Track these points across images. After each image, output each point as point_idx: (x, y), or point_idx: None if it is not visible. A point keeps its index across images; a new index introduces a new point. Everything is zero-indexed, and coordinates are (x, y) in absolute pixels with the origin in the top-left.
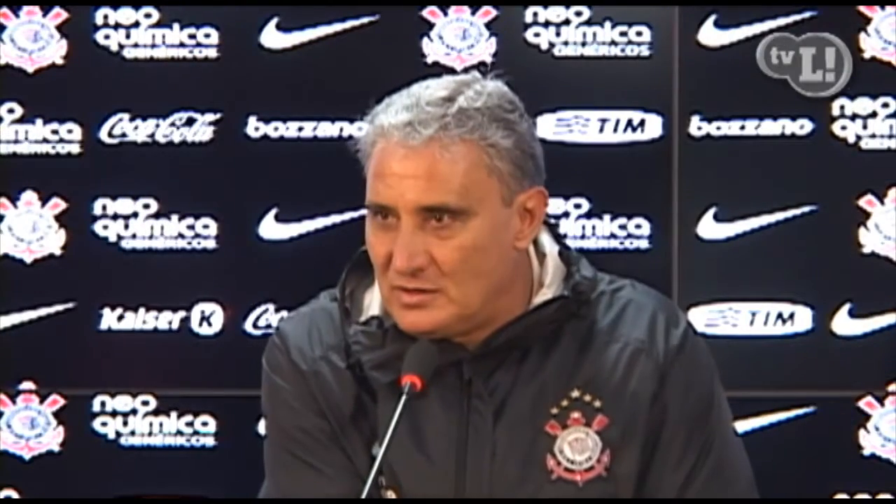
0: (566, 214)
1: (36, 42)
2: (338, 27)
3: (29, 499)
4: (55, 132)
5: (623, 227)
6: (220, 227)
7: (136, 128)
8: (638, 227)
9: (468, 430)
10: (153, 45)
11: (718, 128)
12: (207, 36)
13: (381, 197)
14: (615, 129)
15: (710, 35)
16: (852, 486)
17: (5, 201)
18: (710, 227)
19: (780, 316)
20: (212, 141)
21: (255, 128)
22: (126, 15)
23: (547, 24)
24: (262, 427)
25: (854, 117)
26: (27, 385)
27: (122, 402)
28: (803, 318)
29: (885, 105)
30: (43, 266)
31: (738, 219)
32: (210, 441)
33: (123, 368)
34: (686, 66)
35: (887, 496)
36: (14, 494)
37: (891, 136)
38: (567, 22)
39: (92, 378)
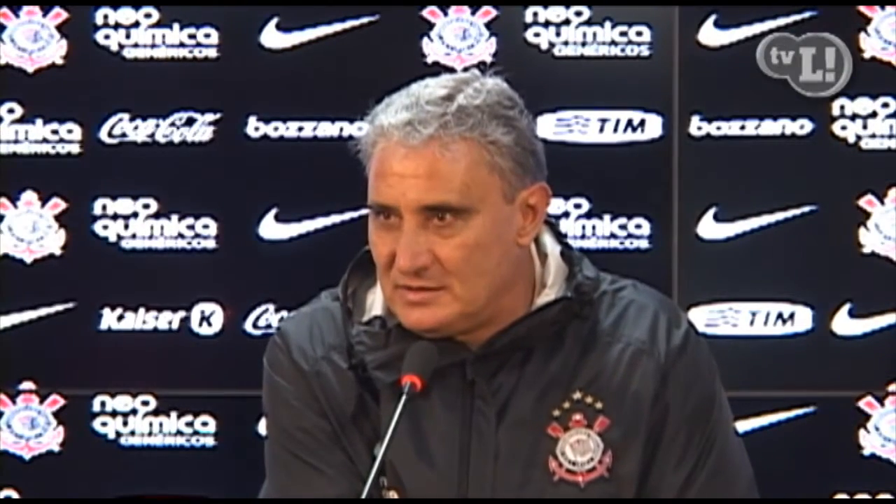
0: (566, 214)
1: (36, 42)
2: (338, 27)
3: (29, 499)
4: (55, 132)
5: (623, 227)
6: (220, 227)
7: (136, 128)
8: (638, 227)
9: (471, 432)
10: (153, 45)
11: (718, 128)
12: (207, 36)
13: (383, 197)
14: (615, 129)
15: (710, 35)
16: (852, 486)
17: (5, 201)
18: (710, 227)
19: (780, 316)
20: (212, 141)
21: (254, 128)
22: (126, 15)
23: (547, 24)
24: (262, 427)
25: (854, 117)
26: (27, 385)
27: (122, 402)
28: (803, 318)
29: (885, 105)
30: (43, 266)
31: (738, 219)
32: (210, 441)
33: (123, 368)
34: (686, 66)
35: (887, 496)
36: (14, 494)
37: (891, 136)
38: (567, 22)
39: (92, 378)
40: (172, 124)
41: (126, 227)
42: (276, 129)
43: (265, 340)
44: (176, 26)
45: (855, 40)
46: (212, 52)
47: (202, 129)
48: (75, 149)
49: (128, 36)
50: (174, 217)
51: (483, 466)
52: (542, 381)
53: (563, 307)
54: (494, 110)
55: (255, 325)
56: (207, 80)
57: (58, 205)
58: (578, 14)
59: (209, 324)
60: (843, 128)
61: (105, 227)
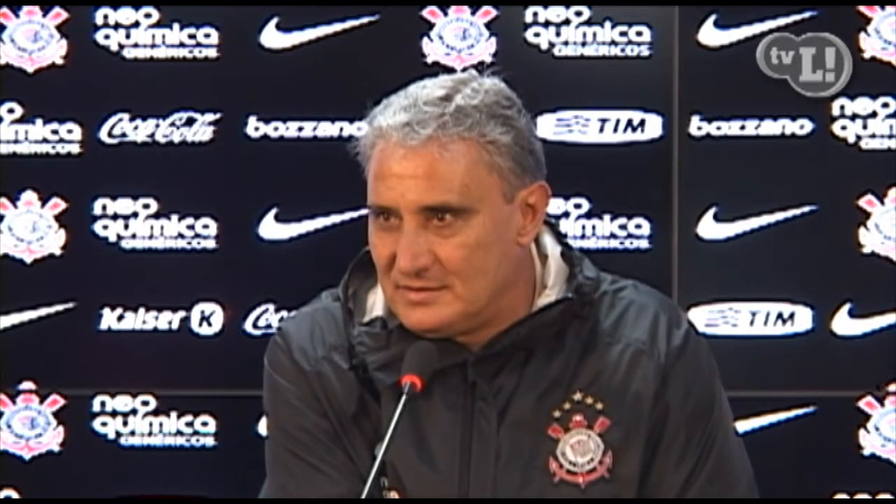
0: (566, 214)
1: (36, 42)
2: (338, 27)
3: (29, 499)
4: (55, 132)
5: (623, 227)
6: (220, 227)
7: (136, 128)
8: (638, 227)
9: (472, 433)
10: (153, 45)
11: (718, 128)
12: (207, 36)
13: (383, 198)
14: (615, 129)
15: (710, 35)
16: (852, 486)
17: (5, 201)
18: (710, 227)
19: (780, 316)
20: (212, 141)
21: (255, 128)
22: (126, 15)
23: (547, 24)
24: (262, 427)
25: (854, 117)
26: (27, 385)
27: (122, 402)
28: (803, 318)
29: (885, 105)
30: (43, 266)
31: (738, 219)
32: (210, 441)
33: (123, 368)
34: (686, 66)
35: (887, 496)
36: (14, 494)
37: (891, 136)
38: (567, 22)
39: (92, 378)
40: (172, 124)
41: (126, 227)
42: (276, 129)
43: (265, 340)
44: (176, 26)
45: (855, 40)
46: (212, 52)
47: (202, 129)
48: (75, 149)
49: (128, 36)
50: (174, 217)
51: (484, 467)
52: (543, 381)
53: (564, 308)
54: (492, 110)
55: (255, 325)
56: (207, 80)
57: (58, 205)
58: (578, 14)
59: (209, 324)
60: (843, 128)
61: (105, 227)
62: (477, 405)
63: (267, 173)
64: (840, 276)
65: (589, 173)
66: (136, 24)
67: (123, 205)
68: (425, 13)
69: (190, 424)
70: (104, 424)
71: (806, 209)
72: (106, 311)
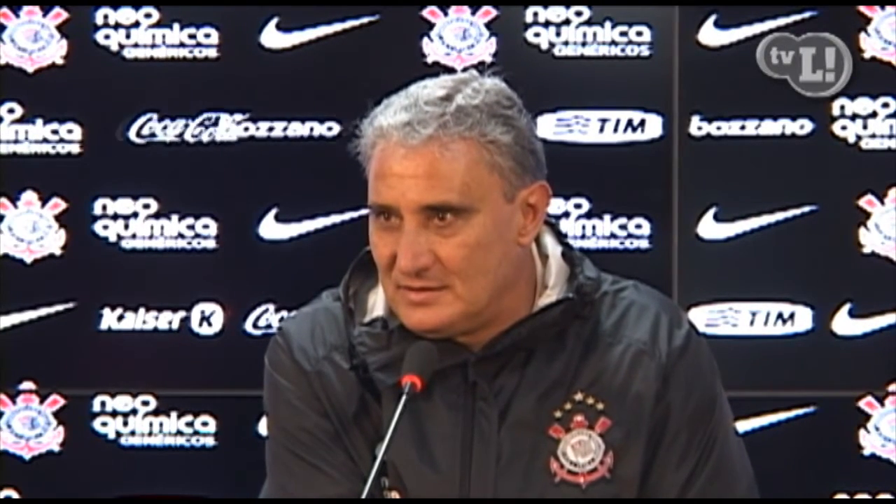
0: (566, 214)
1: (36, 42)
2: (338, 27)
3: (29, 499)
4: (55, 132)
5: (623, 227)
6: (220, 227)
7: (136, 128)
8: (638, 227)
9: (473, 433)
10: (153, 45)
11: (718, 128)
12: (207, 36)
13: (383, 197)
14: (615, 129)
15: (710, 35)
16: (852, 486)
17: (5, 201)
18: (710, 227)
19: (780, 316)
20: (212, 141)
21: (255, 128)
22: (126, 15)
23: (547, 24)
24: (262, 427)
25: (854, 117)
26: (27, 385)
27: (122, 402)
28: (803, 318)
29: (885, 105)
30: (43, 266)
31: (738, 219)
32: (210, 441)
33: (123, 368)
34: (686, 66)
35: (887, 496)
36: (14, 494)
37: (891, 136)
38: (567, 22)
39: (92, 378)
40: (173, 124)
41: (126, 227)
42: (275, 128)
43: (265, 340)
44: (176, 26)
45: (855, 40)
46: (212, 52)
47: (202, 129)
48: (75, 149)
49: (128, 36)
50: (174, 217)
51: (485, 468)
52: (544, 382)
53: (565, 308)
54: (493, 110)
55: (255, 325)
56: (207, 80)
57: (58, 205)
58: (578, 14)
59: (209, 324)
60: (843, 128)
61: (105, 227)
62: (478, 405)
63: (267, 173)
64: (840, 276)
65: (589, 173)
66: (136, 24)
67: (123, 205)
68: (425, 13)
69: (190, 424)
70: (104, 424)
71: (806, 209)
72: (106, 311)
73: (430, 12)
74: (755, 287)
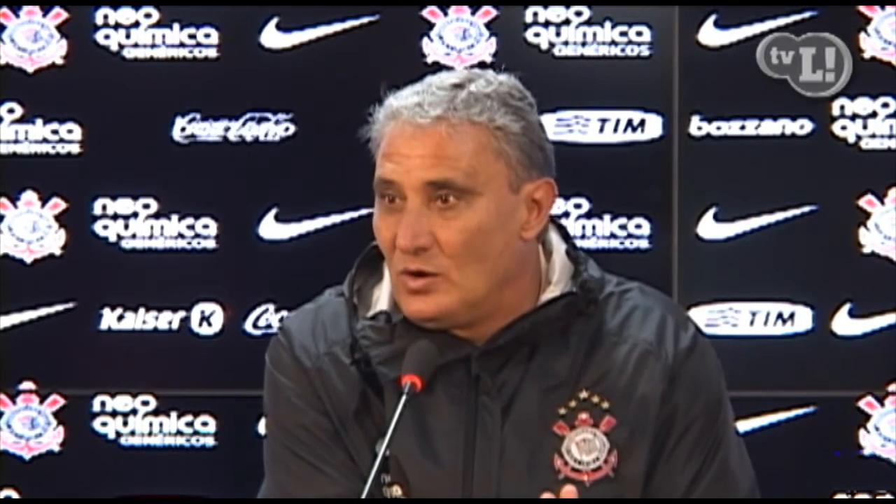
0: (566, 214)
1: (36, 42)
2: (338, 27)
3: (29, 499)
4: (55, 132)
5: (623, 227)
6: (220, 227)
7: (136, 128)
8: (638, 227)
9: (476, 428)
10: (153, 45)
11: (718, 128)
12: (207, 36)
13: (388, 173)
14: (615, 129)
15: (710, 35)
16: (852, 486)
17: (5, 201)
18: (710, 227)
19: (780, 316)
20: (211, 141)
21: (255, 128)
22: (126, 15)
23: (547, 24)
24: (262, 427)
25: (854, 117)
26: (27, 385)
27: (122, 402)
28: (803, 318)
29: (885, 105)
30: (43, 266)
31: (738, 219)
32: (210, 441)
33: (123, 368)
34: (686, 66)
35: (887, 496)
36: (14, 494)
37: (891, 136)
38: (567, 22)
39: (92, 378)
40: (174, 124)
41: (126, 227)
42: (275, 128)
43: (265, 340)
44: (176, 26)
45: (855, 40)
46: (212, 52)
47: (202, 129)
48: (75, 149)
49: (128, 36)
50: (174, 217)
51: (488, 463)
52: (548, 377)
53: (568, 303)
54: (504, 99)
55: (255, 325)
56: (207, 80)
57: (58, 205)
58: (578, 14)
59: (209, 324)
60: (843, 128)
61: (105, 227)
62: (481, 399)
63: (267, 173)
64: (840, 276)
65: (589, 173)
66: (136, 24)
67: (123, 205)
68: (425, 13)
69: (190, 424)
70: (104, 424)
71: (806, 209)
72: (106, 311)
73: (430, 12)
74: (755, 287)
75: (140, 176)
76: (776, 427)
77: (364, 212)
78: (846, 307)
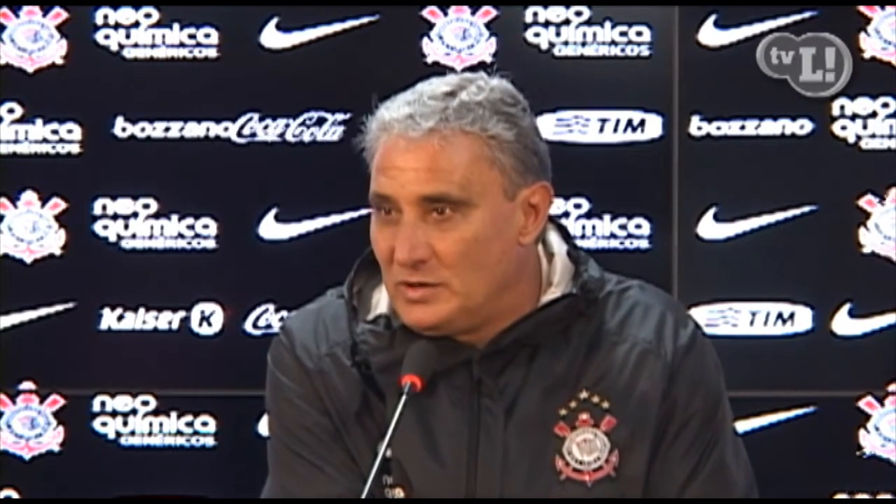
0: (566, 214)
1: (36, 42)
2: (338, 27)
3: (29, 499)
4: (55, 132)
5: (623, 227)
6: (220, 227)
7: (137, 128)
8: (638, 227)
9: (479, 431)
10: (153, 45)
11: (718, 128)
12: (207, 36)
13: (383, 188)
14: (615, 129)
15: (710, 35)
16: (852, 486)
17: (5, 201)
18: (710, 227)
19: (780, 316)
20: (212, 141)
21: (254, 127)
22: (126, 15)
23: (547, 24)
24: (262, 427)
25: (854, 117)
26: (27, 385)
27: (122, 402)
28: (803, 318)
29: (885, 105)
30: (43, 266)
31: (738, 219)
32: (210, 441)
33: (123, 368)
34: (686, 66)
35: (887, 496)
36: (14, 494)
37: (891, 136)
38: (567, 22)
39: (92, 378)
40: (174, 124)
41: (126, 227)
42: (275, 128)
43: (265, 340)
44: (176, 26)
45: (855, 40)
46: (212, 52)
47: (203, 129)
48: (75, 149)
49: (128, 36)
50: (174, 217)
51: (491, 465)
52: (549, 379)
53: (569, 304)
54: (496, 107)
55: (255, 325)
56: (207, 80)
57: (58, 205)
58: (578, 14)
59: (209, 324)
60: (843, 128)
61: (105, 227)
62: (483, 402)
63: (267, 173)
64: (840, 276)
65: (589, 173)
66: (136, 24)
67: (123, 205)
68: (425, 13)
69: (190, 424)
70: (104, 424)
71: (806, 209)
72: (106, 311)
73: (430, 12)
74: (755, 287)
75: (140, 176)
76: (776, 427)
77: (364, 212)
78: (846, 307)
